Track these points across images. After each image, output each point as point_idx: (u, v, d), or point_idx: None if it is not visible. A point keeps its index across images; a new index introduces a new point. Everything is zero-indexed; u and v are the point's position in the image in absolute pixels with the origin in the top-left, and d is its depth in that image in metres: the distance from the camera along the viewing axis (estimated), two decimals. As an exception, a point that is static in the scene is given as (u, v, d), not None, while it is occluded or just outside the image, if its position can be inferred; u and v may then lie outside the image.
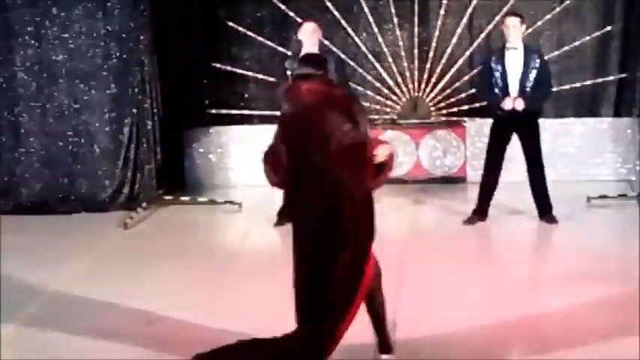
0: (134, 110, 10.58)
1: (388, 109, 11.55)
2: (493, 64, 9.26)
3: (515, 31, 9.20)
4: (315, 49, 9.25)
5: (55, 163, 10.59)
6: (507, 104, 8.96)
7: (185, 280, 7.74)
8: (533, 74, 9.13)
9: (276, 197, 9.95)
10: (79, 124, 10.58)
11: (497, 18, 11.08)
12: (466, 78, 11.73)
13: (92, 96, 10.57)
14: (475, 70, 11.18)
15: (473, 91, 11.45)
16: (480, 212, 9.43)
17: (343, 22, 11.73)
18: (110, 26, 10.49)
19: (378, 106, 11.87)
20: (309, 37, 9.29)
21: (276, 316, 6.27)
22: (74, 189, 10.62)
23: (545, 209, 9.40)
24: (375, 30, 11.73)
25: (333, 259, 5.22)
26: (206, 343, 5.55)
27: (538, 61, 9.20)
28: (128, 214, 10.20)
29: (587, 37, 11.51)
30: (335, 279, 5.18)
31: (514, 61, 9.19)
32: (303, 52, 9.17)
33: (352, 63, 11.77)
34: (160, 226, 10.06)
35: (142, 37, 10.47)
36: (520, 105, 9.00)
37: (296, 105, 5.28)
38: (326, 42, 10.87)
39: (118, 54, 10.53)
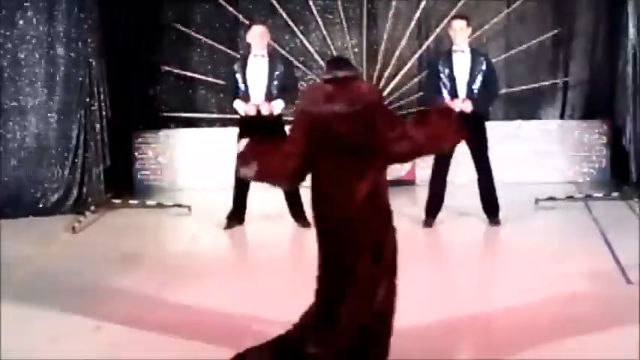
0: (82, 113, 10.50)
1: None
2: (440, 66, 9.25)
3: (461, 33, 9.21)
4: (264, 52, 9.23)
5: (1, 168, 10.46)
6: (455, 106, 8.97)
7: (134, 284, 7.68)
8: (480, 77, 9.15)
9: (224, 200, 9.97)
10: (26, 127, 10.46)
11: (445, 21, 11.12)
12: (415, 80, 11.79)
13: (39, 99, 10.47)
14: (419, 76, 11.25)
15: (422, 93, 11.52)
16: (431, 216, 9.52)
17: (292, 25, 11.74)
18: (57, 29, 10.40)
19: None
20: (259, 40, 9.26)
21: (224, 318, 6.25)
22: (21, 193, 10.50)
23: (491, 212, 9.47)
24: (325, 33, 11.74)
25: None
26: (156, 347, 5.51)
27: (485, 63, 9.21)
28: (76, 217, 10.11)
29: (534, 41, 11.61)
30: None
31: (461, 64, 9.18)
32: (252, 55, 9.17)
33: (301, 66, 11.79)
34: (108, 229, 9.97)
35: (89, 40, 10.39)
36: (468, 107, 9.01)
37: (354, 104, 5.22)
38: (275, 45, 10.87)
39: (65, 57, 10.44)
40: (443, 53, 9.62)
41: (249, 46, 9.35)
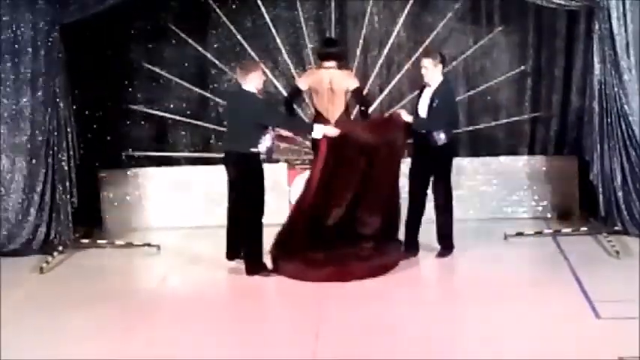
0: (49, 153, 10.44)
1: (306, 150, 11.54)
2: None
3: (426, 72, 9.50)
4: None
5: (-32, 208, 10.40)
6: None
7: (102, 326, 7.63)
8: (435, 104, 9.46)
9: (193, 239, 9.93)
10: (-7, 167, 10.43)
11: (415, 56, 11.21)
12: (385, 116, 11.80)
13: (6, 140, 10.42)
14: (393, 110, 11.27)
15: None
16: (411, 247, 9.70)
17: (261, 63, 11.73)
18: (24, 70, 10.37)
19: (296, 147, 11.88)
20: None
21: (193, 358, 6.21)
22: (-12, 234, 10.43)
23: (440, 242, 9.80)
24: (292, 70, 11.75)
25: None
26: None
27: (442, 95, 9.49)
28: (44, 258, 10.03)
29: (502, 77, 11.68)
30: None
31: (426, 96, 9.54)
32: None
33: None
34: (76, 270, 9.90)
35: (56, 80, 10.36)
36: (405, 116, 9.50)
37: None
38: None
39: (31, 97, 10.40)
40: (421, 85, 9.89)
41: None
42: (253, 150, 9.11)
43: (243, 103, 9.19)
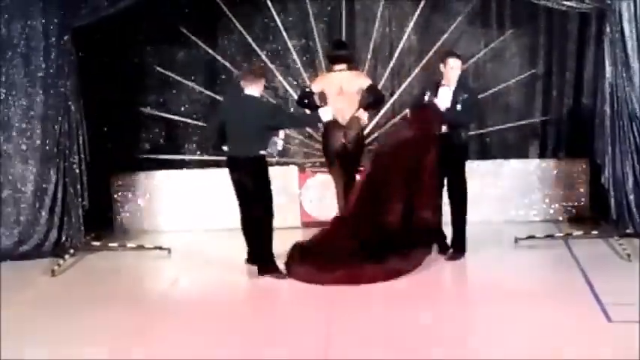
0: (61, 156, 10.46)
1: (318, 153, 11.55)
2: (424, 95, 9.68)
3: (453, 71, 9.52)
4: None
5: (-20, 211, 10.43)
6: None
7: (113, 328, 7.64)
8: (462, 101, 9.50)
9: (204, 242, 9.93)
10: (5, 171, 10.43)
11: (426, 59, 11.29)
12: (392, 122, 11.81)
13: (18, 143, 10.46)
14: (398, 116, 11.28)
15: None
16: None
17: (272, 66, 11.76)
18: (35, 73, 10.40)
19: (307, 150, 11.89)
20: None
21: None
22: (-1, 237, 10.46)
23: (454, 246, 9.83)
24: (304, 74, 11.76)
25: None
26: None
27: (465, 95, 9.53)
28: (56, 261, 10.04)
29: (513, 80, 11.67)
30: None
31: (445, 95, 9.50)
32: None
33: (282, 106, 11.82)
34: (88, 272, 9.92)
35: (67, 83, 10.38)
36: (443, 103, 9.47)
37: None
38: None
39: (43, 100, 10.43)
40: (430, 83, 9.90)
41: None
42: (262, 153, 9.14)
43: (250, 107, 9.19)
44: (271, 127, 9.21)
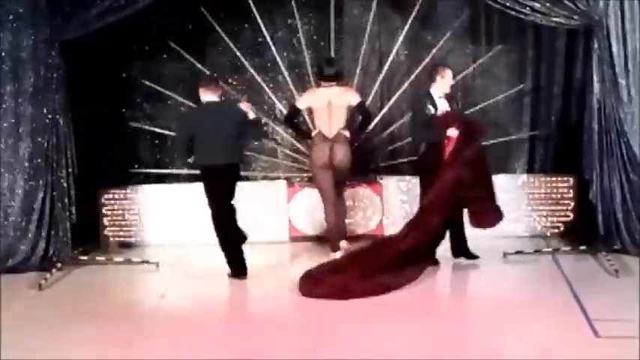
0: (49, 170, 10.45)
1: (306, 167, 11.55)
2: (426, 107, 9.76)
3: (450, 82, 9.90)
4: None
5: (-34, 225, 10.39)
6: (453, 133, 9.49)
7: (100, 343, 7.61)
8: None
9: (192, 256, 9.89)
10: (-8, 184, 10.43)
11: (411, 78, 11.33)
12: (386, 133, 11.83)
13: (5, 156, 10.43)
14: (387, 131, 11.30)
15: (390, 148, 11.86)
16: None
17: (260, 80, 11.77)
18: (24, 86, 10.40)
19: (296, 164, 11.89)
20: None
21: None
22: (-15, 251, 10.42)
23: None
24: (292, 88, 11.77)
25: None
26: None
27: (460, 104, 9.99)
28: (43, 275, 10.00)
29: (501, 95, 11.70)
30: None
31: (443, 105, 9.78)
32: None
33: (269, 121, 11.82)
34: (75, 287, 9.89)
35: (56, 97, 10.37)
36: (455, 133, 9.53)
37: None
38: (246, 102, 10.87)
39: (31, 113, 10.42)
40: (423, 95, 9.95)
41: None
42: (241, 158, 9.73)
43: (230, 114, 9.49)
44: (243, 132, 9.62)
